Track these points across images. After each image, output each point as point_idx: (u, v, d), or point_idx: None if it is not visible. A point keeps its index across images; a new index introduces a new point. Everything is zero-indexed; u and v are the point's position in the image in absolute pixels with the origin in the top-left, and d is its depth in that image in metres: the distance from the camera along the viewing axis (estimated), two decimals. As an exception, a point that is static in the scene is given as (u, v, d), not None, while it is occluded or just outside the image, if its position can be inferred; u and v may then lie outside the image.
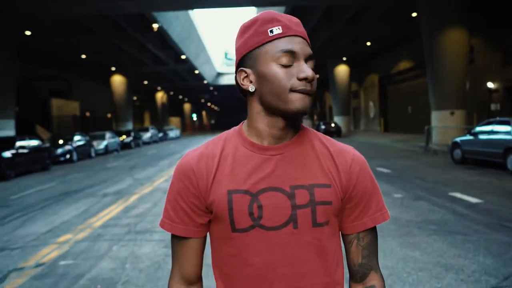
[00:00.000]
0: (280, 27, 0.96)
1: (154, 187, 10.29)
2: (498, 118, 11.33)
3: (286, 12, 23.48)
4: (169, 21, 26.96)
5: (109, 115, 44.39)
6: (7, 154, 14.11)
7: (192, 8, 26.97)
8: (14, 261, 4.85)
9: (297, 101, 0.94)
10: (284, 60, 0.94)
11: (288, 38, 0.96)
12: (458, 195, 7.61)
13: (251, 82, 0.99)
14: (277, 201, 0.97)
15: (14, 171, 14.23)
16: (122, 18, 23.75)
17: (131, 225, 6.35)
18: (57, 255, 5.00)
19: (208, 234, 1.07)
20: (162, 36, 29.65)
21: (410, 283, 3.70)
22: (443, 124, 18.46)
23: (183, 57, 36.87)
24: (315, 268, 1.00)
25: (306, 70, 0.94)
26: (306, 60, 0.96)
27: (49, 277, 4.26)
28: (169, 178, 11.78)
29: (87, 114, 39.80)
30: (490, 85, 20.35)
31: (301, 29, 0.99)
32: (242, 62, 1.01)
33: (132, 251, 5.02)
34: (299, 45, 0.96)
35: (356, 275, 1.06)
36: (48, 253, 5.07)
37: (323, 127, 34.80)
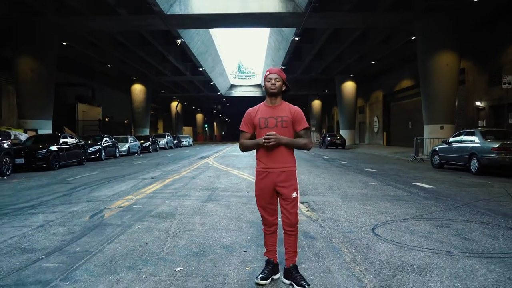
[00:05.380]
0: (268, 72, 3.46)
1: (181, 175, 12.69)
2: (466, 130, 13.61)
3: (296, 32, 26.02)
4: (191, 36, 29.55)
5: (126, 121, 47.15)
6: (54, 147, 16.67)
7: (214, 28, 29.73)
8: (101, 205, 7.26)
9: (269, 89, 3.42)
10: (267, 79, 3.43)
11: (269, 75, 3.45)
12: (419, 184, 9.92)
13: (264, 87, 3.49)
14: (272, 120, 3.43)
15: (58, 163, 16.75)
16: (149, 33, 26.42)
17: (173, 193, 8.76)
18: (129, 204, 7.41)
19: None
20: (183, 49, 32.24)
21: (355, 216, 6.05)
22: (434, 137, 20.62)
23: (200, 69, 39.48)
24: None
25: (271, 81, 3.43)
26: (274, 79, 3.43)
27: (130, 211, 6.66)
28: (192, 171, 14.22)
29: (106, 119, 42.58)
30: (477, 103, 22.57)
31: (275, 70, 3.49)
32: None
33: (179, 203, 7.41)
34: (272, 75, 3.44)
35: (299, 138, 3.47)
36: (122, 203, 7.48)
37: (328, 138, 37.05)
